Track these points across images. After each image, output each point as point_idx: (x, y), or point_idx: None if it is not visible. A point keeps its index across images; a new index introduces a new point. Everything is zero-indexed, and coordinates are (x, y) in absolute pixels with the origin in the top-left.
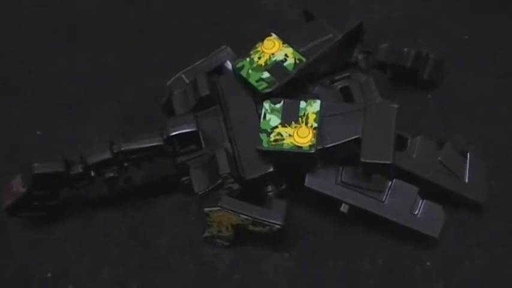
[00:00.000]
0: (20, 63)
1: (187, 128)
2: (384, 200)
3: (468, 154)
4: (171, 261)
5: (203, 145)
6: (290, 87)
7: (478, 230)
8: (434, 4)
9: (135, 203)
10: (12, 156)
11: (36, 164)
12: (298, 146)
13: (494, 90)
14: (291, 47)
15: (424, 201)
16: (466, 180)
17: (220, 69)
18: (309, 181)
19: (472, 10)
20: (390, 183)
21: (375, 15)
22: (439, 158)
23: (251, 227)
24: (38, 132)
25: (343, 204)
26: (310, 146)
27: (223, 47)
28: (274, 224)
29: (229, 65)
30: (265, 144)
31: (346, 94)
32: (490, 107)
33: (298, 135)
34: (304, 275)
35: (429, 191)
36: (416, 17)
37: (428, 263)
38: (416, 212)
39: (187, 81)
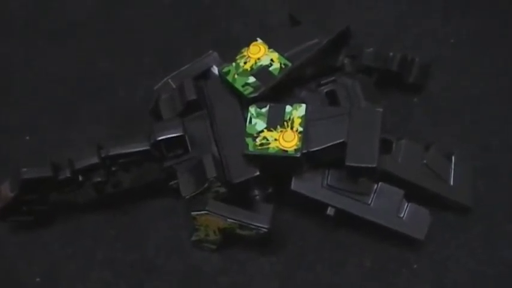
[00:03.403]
0: (8, 66)
1: (174, 133)
2: (369, 203)
3: (453, 157)
4: (159, 265)
5: (190, 149)
6: (276, 92)
7: (464, 232)
8: (419, 7)
9: (124, 206)
10: (1, 160)
11: (24, 169)
12: (283, 150)
13: (481, 93)
14: (277, 51)
15: (410, 204)
16: (452, 183)
17: (206, 74)
18: (295, 185)
19: (458, 13)
20: (376, 186)
21: (360, 19)
22: (425, 161)
23: (238, 231)
24: (27, 138)
25: (329, 208)
26: (295, 150)
27: (210, 52)
28: (261, 227)
29: (215, 69)
30: (251, 149)
31: (332, 98)
32: (476, 110)
33: (284, 139)
34: (291, 279)
35: (415, 194)
36: (402, 21)
37: (415, 266)
38: (402, 215)
39: (174, 86)
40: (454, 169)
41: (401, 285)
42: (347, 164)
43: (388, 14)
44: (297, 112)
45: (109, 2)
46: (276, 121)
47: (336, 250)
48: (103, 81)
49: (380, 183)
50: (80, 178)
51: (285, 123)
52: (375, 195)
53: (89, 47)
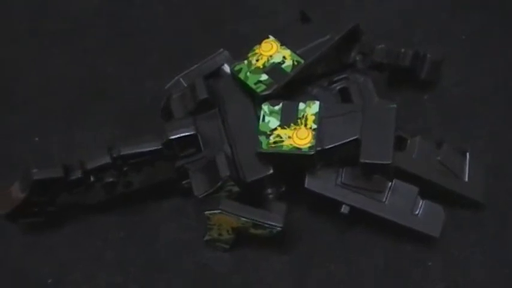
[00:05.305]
0: (14, 68)
1: (187, 132)
2: (384, 200)
3: (467, 153)
4: (170, 266)
5: (202, 148)
6: (288, 89)
7: (478, 229)
8: (429, 4)
9: (134, 207)
10: (8, 162)
11: (35, 170)
12: (297, 148)
13: (492, 90)
14: (289, 48)
15: (425, 201)
16: (466, 180)
17: (217, 73)
18: (309, 183)
19: (468, 10)
20: (390, 183)
21: (369, 16)
22: (439, 158)
23: (252, 230)
24: (36, 139)
25: (343, 206)
26: (309, 147)
27: (221, 50)
28: (275, 226)
29: (226, 68)
30: (264, 147)
31: (345, 95)
32: (487, 107)
33: (298, 137)
34: (304, 278)
35: (429, 191)
36: (411, 17)
37: (429, 263)
38: (416, 212)
39: (185, 84)
40: (467, 166)
41: (415, 284)
42: (362, 161)
43: (397, 10)
44: (310, 109)
45: (114, 2)
46: (289, 118)
47: (349, 249)
48: (109, 82)
49: (394, 181)
50: (91, 179)
51: (299, 120)
52: (390, 192)
53: (94, 47)
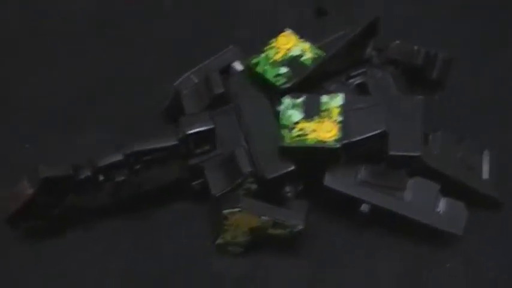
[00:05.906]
0: (12, 74)
1: (204, 126)
2: (405, 198)
3: (486, 151)
4: (179, 272)
5: (218, 145)
6: (306, 85)
7: (497, 229)
8: (428, 7)
9: (140, 212)
10: (8, 168)
11: (43, 167)
12: (322, 141)
13: (497, 90)
14: (308, 42)
15: (446, 198)
16: (485, 177)
17: (227, 70)
18: (328, 180)
19: (467, 13)
20: (411, 180)
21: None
22: (459, 155)
23: (271, 230)
24: (27, 146)
25: (363, 204)
26: (335, 140)
27: (231, 46)
28: (297, 224)
29: (237, 64)
30: (287, 140)
31: (362, 90)
32: (497, 106)
33: (323, 130)
34: (320, 282)
35: (448, 188)
36: (411, 21)
37: (448, 265)
38: (438, 210)
39: (195, 81)
40: (488, 163)
41: (433, 285)
42: (390, 153)
43: (397, 13)
44: (334, 102)
45: (110, 9)
46: (312, 111)
47: (366, 252)
48: (108, 88)
49: (415, 177)
50: (101, 178)
51: (323, 113)
52: (411, 190)
53: (93, 54)
